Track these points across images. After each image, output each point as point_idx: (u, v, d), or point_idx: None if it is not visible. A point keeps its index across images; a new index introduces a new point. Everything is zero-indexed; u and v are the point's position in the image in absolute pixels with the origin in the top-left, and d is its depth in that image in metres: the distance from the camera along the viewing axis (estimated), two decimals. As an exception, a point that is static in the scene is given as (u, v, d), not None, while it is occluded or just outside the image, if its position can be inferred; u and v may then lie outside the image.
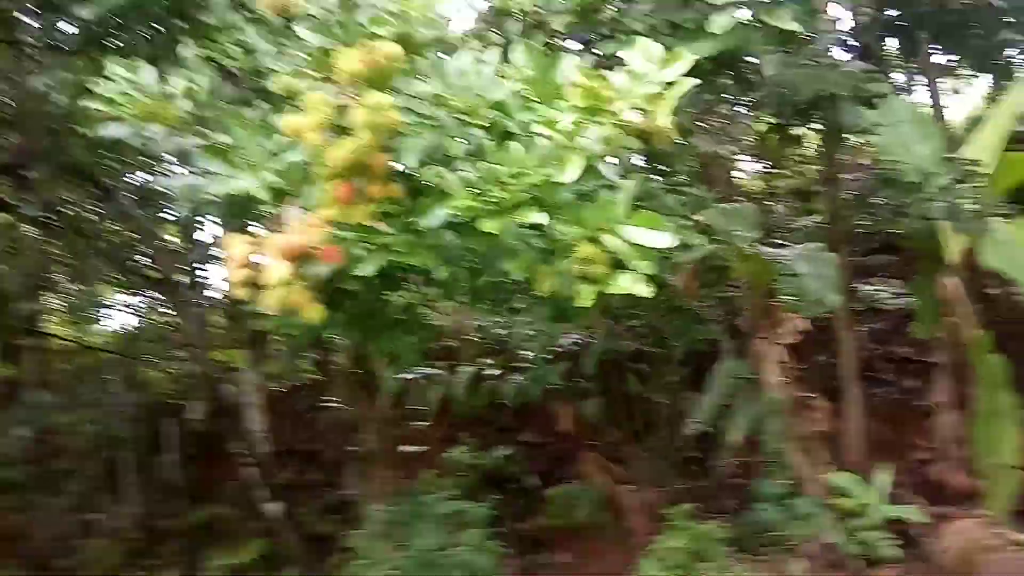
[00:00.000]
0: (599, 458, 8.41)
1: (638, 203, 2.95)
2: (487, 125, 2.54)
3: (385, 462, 6.77)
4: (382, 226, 2.64)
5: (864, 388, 6.51)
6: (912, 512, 5.50)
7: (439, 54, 2.57)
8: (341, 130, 2.47)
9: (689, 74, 2.90)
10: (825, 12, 4.66)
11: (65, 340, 11.35)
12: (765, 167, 8.48)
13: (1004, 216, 4.83)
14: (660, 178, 3.93)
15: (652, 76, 2.17)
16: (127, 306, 11.55)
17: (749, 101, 4.30)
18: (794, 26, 2.32)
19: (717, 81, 3.18)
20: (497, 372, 8.17)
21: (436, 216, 2.48)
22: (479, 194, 2.40)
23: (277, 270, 2.44)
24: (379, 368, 5.63)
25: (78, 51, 4.53)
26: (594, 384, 8.44)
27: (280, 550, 8.39)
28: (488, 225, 2.35)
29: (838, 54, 5.65)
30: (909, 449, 6.80)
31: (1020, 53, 4.94)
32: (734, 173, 6.84)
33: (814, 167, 7.10)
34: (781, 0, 2.29)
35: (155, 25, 3.74)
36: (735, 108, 5.07)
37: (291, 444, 10.45)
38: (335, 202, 2.60)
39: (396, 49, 2.28)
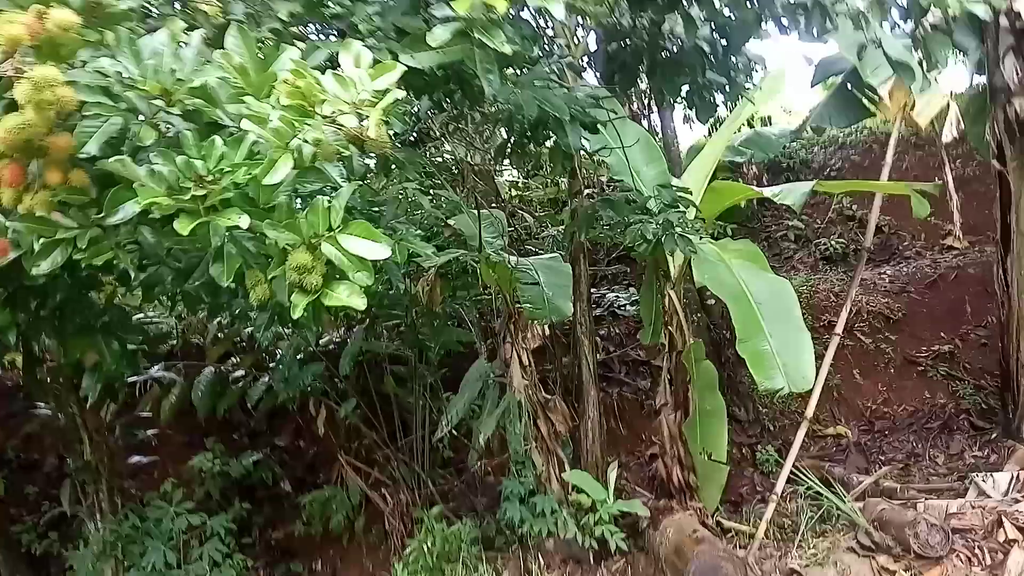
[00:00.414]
0: (354, 462, 8.25)
1: (373, 210, 2.87)
2: (187, 113, 2.33)
3: (109, 473, 6.13)
4: (61, 218, 2.34)
5: (601, 389, 6.95)
6: (636, 506, 5.94)
7: (135, 28, 2.32)
8: (10, 105, 2.15)
9: (421, 81, 2.88)
10: (554, 36, 4.93)
11: None
12: (521, 177, 8.83)
13: (711, 237, 5.39)
14: (406, 185, 3.91)
15: (362, 83, 2.09)
16: None
17: (485, 114, 4.41)
18: (508, 49, 2.36)
19: (451, 91, 3.19)
20: (244, 373, 7.71)
21: (123, 211, 2.23)
22: (174, 190, 2.19)
23: (-83, 264, 2.06)
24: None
25: None
26: (351, 386, 8.26)
27: (-17, 573, 7.33)
28: (182, 225, 2.15)
29: (588, 76, 6.00)
30: (640, 446, 7.36)
31: (723, 93, 5.54)
32: (493, 181, 7.00)
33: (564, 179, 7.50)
34: (496, 21, 2.31)
35: None
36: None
37: (2, 451, 9.19)
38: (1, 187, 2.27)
39: (70, 17, 2.01)
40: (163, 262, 2.78)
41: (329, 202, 2.41)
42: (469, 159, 5.89)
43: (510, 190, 7.45)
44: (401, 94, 2.09)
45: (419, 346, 7.79)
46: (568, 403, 6.63)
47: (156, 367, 7.20)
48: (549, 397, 6.22)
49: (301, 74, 2.16)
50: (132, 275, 2.49)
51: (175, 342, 8.19)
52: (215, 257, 2.47)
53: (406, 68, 2.54)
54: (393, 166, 3.43)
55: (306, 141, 2.27)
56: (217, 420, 8.78)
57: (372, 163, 3.34)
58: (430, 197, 6.35)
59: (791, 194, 6.13)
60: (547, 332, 6.02)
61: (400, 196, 5.19)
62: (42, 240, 2.32)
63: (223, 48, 2.46)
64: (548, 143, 3.89)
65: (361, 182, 3.41)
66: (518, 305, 5.50)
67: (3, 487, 8.70)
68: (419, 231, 4.01)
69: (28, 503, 8.61)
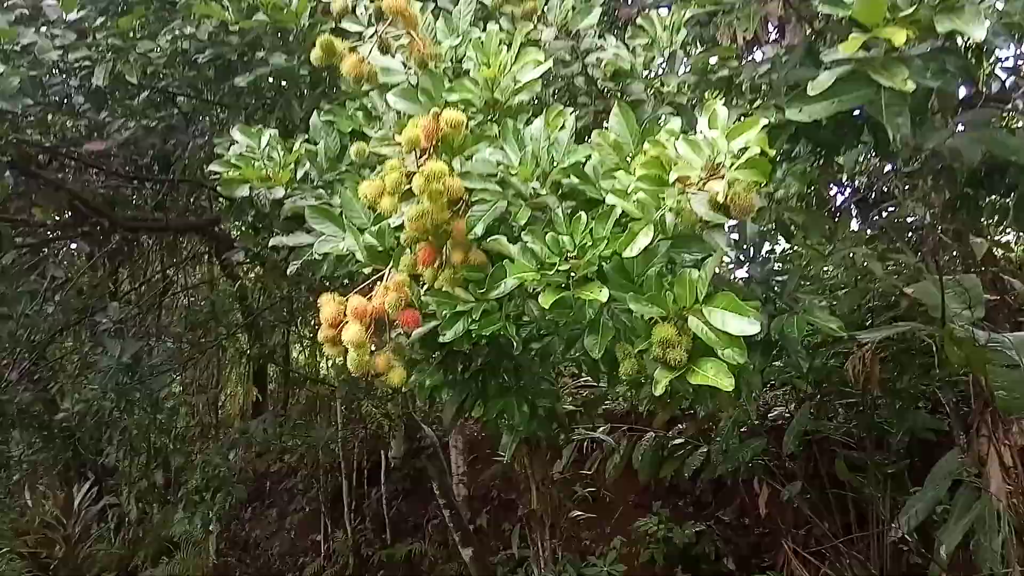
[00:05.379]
0: (801, 552, 7.55)
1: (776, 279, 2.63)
2: (566, 193, 2.42)
3: (552, 523, 6.61)
4: (462, 292, 2.60)
5: None
6: None
7: (520, 119, 2.50)
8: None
9: (829, 136, 2.59)
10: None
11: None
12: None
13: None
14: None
15: (716, 145, 1.92)
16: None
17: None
18: (910, 87, 1.93)
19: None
20: (685, 441, 7.68)
21: (502, 286, 2.40)
22: (543, 266, 2.27)
23: (351, 332, 2.47)
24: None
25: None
26: (799, 467, 7.65)
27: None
28: (545, 299, 2.22)
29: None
30: None
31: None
32: (966, 242, 5.89)
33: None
34: (900, 58, 1.90)
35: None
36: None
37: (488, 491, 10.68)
38: (416, 266, 2.62)
39: (458, 116, 2.24)
40: (556, 333, 2.90)
41: (696, 273, 2.26)
42: (929, 216, 5.06)
43: (994, 251, 6.17)
44: (758, 151, 1.85)
45: (877, 430, 6.88)
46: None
47: (602, 428, 7.61)
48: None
49: (658, 143, 2.08)
50: (515, 344, 2.64)
51: (611, 404, 8.57)
52: (589, 329, 2.49)
53: (799, 123, 2.29)
54: (794, 229, 3.10)
55: (669, 211, 2.18)
56: (663, 486, 8.92)
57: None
58: (887, 263, 5.62)
59: None
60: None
61: (843, 262, 4.67)
62: (446, 313, 2.61)
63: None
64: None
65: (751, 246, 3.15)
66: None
67: (486, 521, 10.09)
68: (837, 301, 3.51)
69: (504, 537, 9.82)
